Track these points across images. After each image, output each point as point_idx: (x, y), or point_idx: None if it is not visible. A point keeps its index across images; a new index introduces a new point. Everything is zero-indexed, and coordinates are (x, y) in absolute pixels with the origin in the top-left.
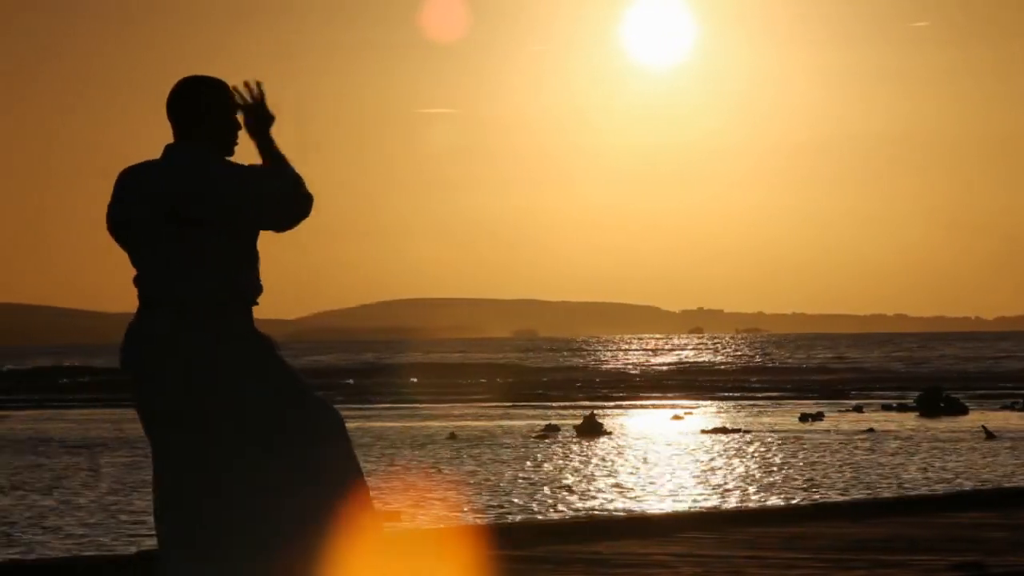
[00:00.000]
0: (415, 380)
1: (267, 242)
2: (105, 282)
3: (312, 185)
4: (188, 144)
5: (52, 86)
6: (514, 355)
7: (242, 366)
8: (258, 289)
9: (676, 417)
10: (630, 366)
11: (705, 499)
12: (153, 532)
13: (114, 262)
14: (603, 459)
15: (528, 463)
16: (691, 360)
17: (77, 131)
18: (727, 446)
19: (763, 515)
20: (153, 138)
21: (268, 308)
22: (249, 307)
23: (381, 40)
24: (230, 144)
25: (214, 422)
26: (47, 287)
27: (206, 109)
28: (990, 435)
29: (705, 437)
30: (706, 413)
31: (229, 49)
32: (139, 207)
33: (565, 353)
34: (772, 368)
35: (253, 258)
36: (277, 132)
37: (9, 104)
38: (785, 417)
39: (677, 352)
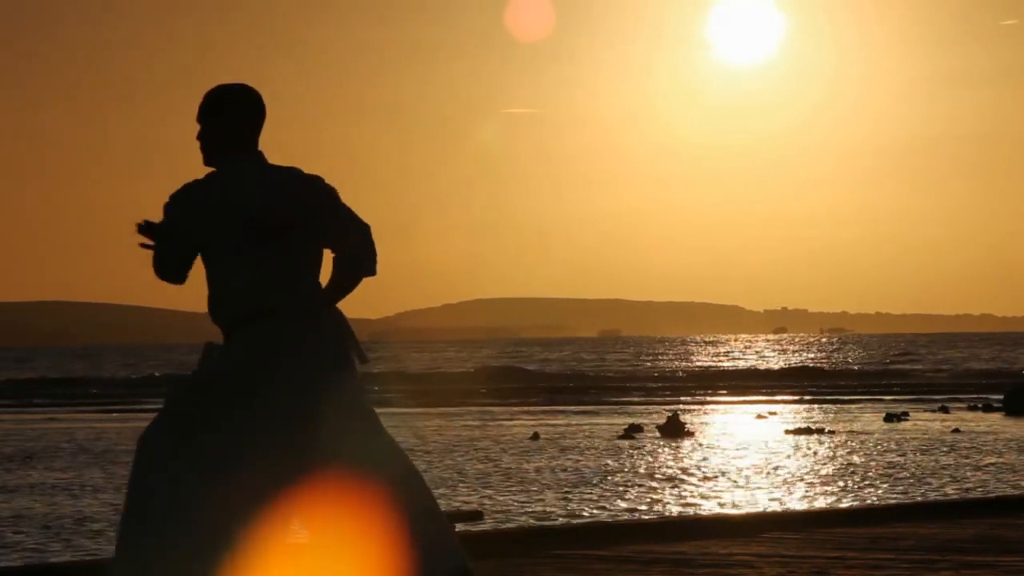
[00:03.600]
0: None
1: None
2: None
3: (398, 183)
4: (261, 155)
5: (98, 81)
6: (596, 354)
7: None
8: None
9: (760, 417)
10: (713, 366)
11: (789, 499)
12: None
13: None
14: (686, 459)
15: (612, 463)
16: (775, 360)
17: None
18: (811, 446)
19: (848, 515)
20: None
21: (351, 307)
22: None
23: (467, 40)
24: None
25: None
26: (121, 285)
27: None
28: None
29: (789, 437)
30: (790, 413)
31: (312, 47)
32: (229, 220)
33: (648, 352)
34: (856, 368)
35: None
36: (371, 129)
37: (80, 102)
38: (870, 417)
39: (761, 352)
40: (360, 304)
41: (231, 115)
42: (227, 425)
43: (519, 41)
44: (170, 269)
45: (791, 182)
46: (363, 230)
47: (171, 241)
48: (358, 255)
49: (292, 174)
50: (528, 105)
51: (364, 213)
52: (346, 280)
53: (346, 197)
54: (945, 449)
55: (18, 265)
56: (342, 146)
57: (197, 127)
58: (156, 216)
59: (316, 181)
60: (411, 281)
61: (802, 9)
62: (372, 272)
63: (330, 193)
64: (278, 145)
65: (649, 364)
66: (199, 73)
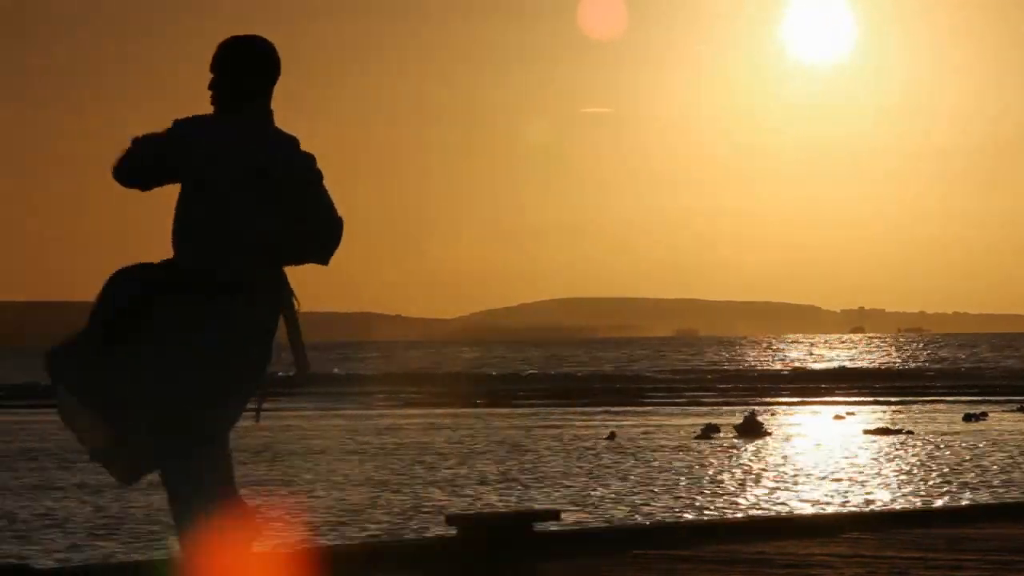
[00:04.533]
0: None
1: (424, 242)
2: None
3: (473, 184)
4: (271, 114)
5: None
6: (671, 354)
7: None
8: None
9: (837, 417)
10: (790, 366)
11: (868, 499)
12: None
13: None
14: (764, 459)
15: (689, 463)
16: (852, 360)
17: None
18: (890, 446)
19: (928, 515)
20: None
21: (428, 307)
22: None
23: (542, 39)
24: None
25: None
26: None
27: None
28: None
29: (867, 438)
30: (868, 413)
31: (387, 48)
32: (237, 164)
33: (724, 352)
34: (934, 368)
35: None
36: (446, 129)
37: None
38: (948, 417)
39: (838, 351)
40: (437, 304)
41: (246, 66)
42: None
43: (593, 40)
44: (142, 171)
45: (868, 181)
46: (335, 219)
47: (162, 152)
48: (320, 232)
49: (294, 141)
50: (604, 104)
51: (442, 214)
52: (295, 246)
53: (422, 197)
54: None
55: (87, 264)
56: (418, 147)
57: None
58: None
59: (311, 158)
60: (488, 281)
61: (877, 7)
62: (324, 259)
63: (318, 173)
64: (358, 145)
65: (725, 364)
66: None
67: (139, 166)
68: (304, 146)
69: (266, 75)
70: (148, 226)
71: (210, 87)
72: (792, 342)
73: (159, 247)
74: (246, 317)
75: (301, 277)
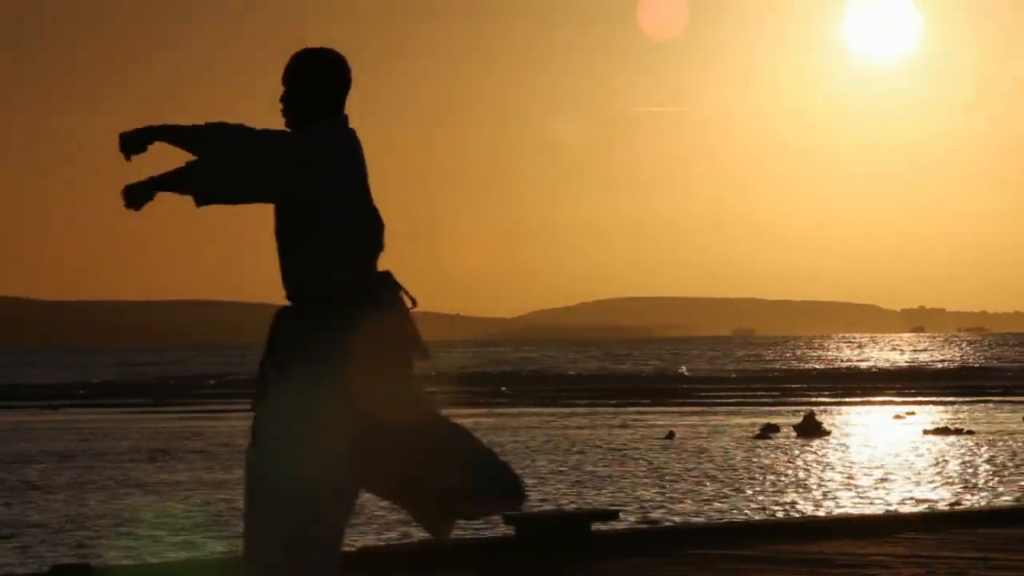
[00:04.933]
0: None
1: (484, 241)
2: None
3: (532, 183)
4: (347, 119)
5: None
6: (729, 353)
7: None
8: None
9: (897, 417)
10: (849, 365)
11: (927, 500)
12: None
13: None
14: (823, 459)
15: (748, 463)
16: (912, 359)
17: None
18: (950, 446)
19: (987, 516)
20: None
21: (486, 306)
22: None
23: (600, 39)
24: None
25: None
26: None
27: None
28: None
29: (927, 438)
30: (928, 413)
31: (446, 48)
32: (355, 173)
33: (783, 352)
34: (996, 367)
35: None
36: (505, 129)
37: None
38: (1009, 417)
39: (898, 351)
40: (494, 303)
41: (328, 77)
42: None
43: (652, 40)
44: (249, 185)
45: (929, 181)
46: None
47: (287, 164)
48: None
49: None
50: (662, 104)
51: (502, 214)
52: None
53: (487, 195)
54: None
55: (153, 265)
56: (478, 146)
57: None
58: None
59: None
60: (548, 280)
61: (938, 6)
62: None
63: None
64: (421, 145)
65: (784, 363)
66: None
67: (244, 177)
68: (372, 145)
69: (346, 84)
70: (148, 227)
71: (285, 99)
72: (851, 342)
73: (159, 246)
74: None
75: None
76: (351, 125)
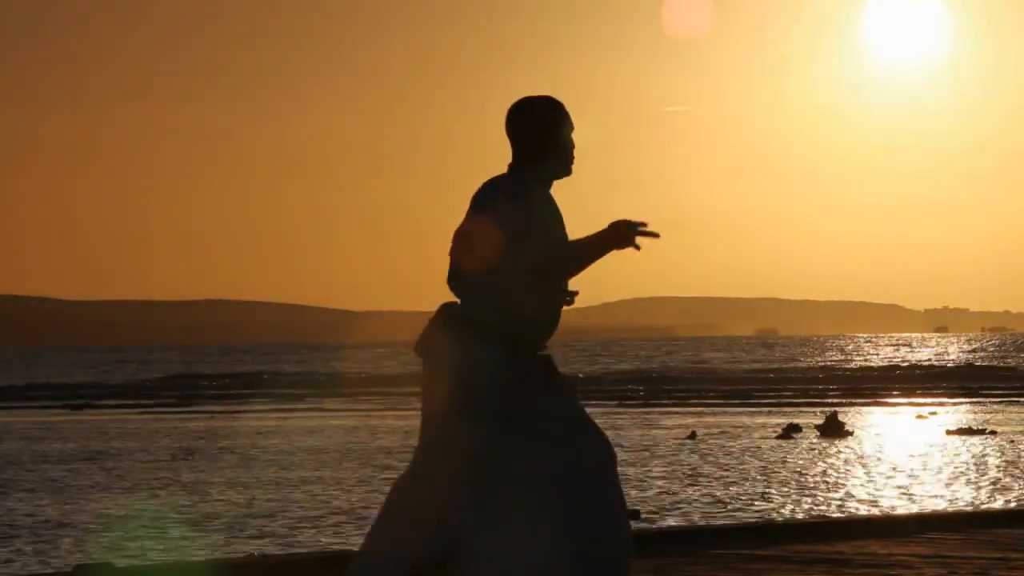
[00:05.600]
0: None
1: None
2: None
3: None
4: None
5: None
6: (752, 352)
7: None
8: None
9: (920, 417)
10: (873, 365)
11: (950, 500)
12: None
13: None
14: (846, 459)
15: (770, 463)
16: (936, 359)
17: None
18: (973, 447)
19: (1010, 516)
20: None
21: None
22: None
23: (624, 38)
24: None
25: None
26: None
27: None
28: None
29: (950, 438)
30: (951, 413)
31: (469, 47)
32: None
33: (806, 351)
34: (1020, 368)
35: None
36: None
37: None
38: None
39: (921, 351)
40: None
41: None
42: None
43: (675, 39)
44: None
45: (952, 181)
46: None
47: (529, 232)
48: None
49: None
50: (685, 103)
51: None
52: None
53: None
54: None
55: (180, 264)
56: (496, 147)
57: (566, 139)
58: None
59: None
60: (571, 280)
61: (960, 5)
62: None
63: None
64: (446, 144)
65: (806, 363)
66: (373, 74)
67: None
68: (385, 142)
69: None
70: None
71: (569, 148)
72: (874, 341)
73: (183, 246)
74: None
75: (387, 276)
76: (370, 120)
